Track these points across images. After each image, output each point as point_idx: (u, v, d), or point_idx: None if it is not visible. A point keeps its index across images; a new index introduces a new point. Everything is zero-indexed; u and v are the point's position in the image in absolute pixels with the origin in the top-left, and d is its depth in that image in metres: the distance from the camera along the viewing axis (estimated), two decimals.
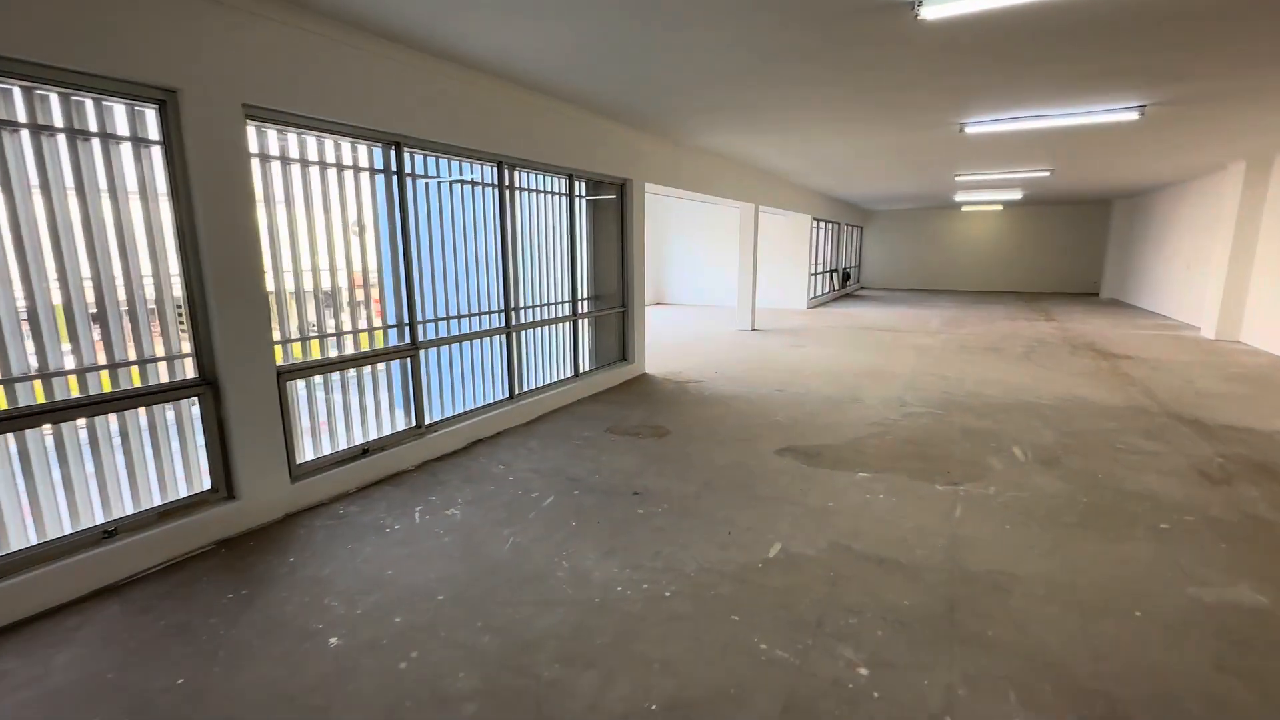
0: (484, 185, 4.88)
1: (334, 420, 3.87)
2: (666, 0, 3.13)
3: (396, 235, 4.12)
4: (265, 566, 2.92)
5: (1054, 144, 7.37)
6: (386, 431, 4.21)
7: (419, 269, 4.38)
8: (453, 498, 3.72)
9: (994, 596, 2.63)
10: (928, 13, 3.10)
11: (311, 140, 3.67)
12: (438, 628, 2.44)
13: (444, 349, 4.66)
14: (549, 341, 5.92)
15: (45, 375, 2.64)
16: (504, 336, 5.18)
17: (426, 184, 4.41)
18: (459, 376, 4.85)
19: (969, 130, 6.12)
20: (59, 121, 2.64)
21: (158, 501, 3.04)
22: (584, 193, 6.35)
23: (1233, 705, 2.01)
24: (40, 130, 2.58)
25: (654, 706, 2.01)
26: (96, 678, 2.17)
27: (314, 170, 3.68)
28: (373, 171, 4.00)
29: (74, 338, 2.73)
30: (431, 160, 4.42)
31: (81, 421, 2.75)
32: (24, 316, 2.60)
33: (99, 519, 2.84)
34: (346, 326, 3.93)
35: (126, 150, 2.86)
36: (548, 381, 5.82)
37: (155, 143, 2.91)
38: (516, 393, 5.32)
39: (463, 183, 4.68)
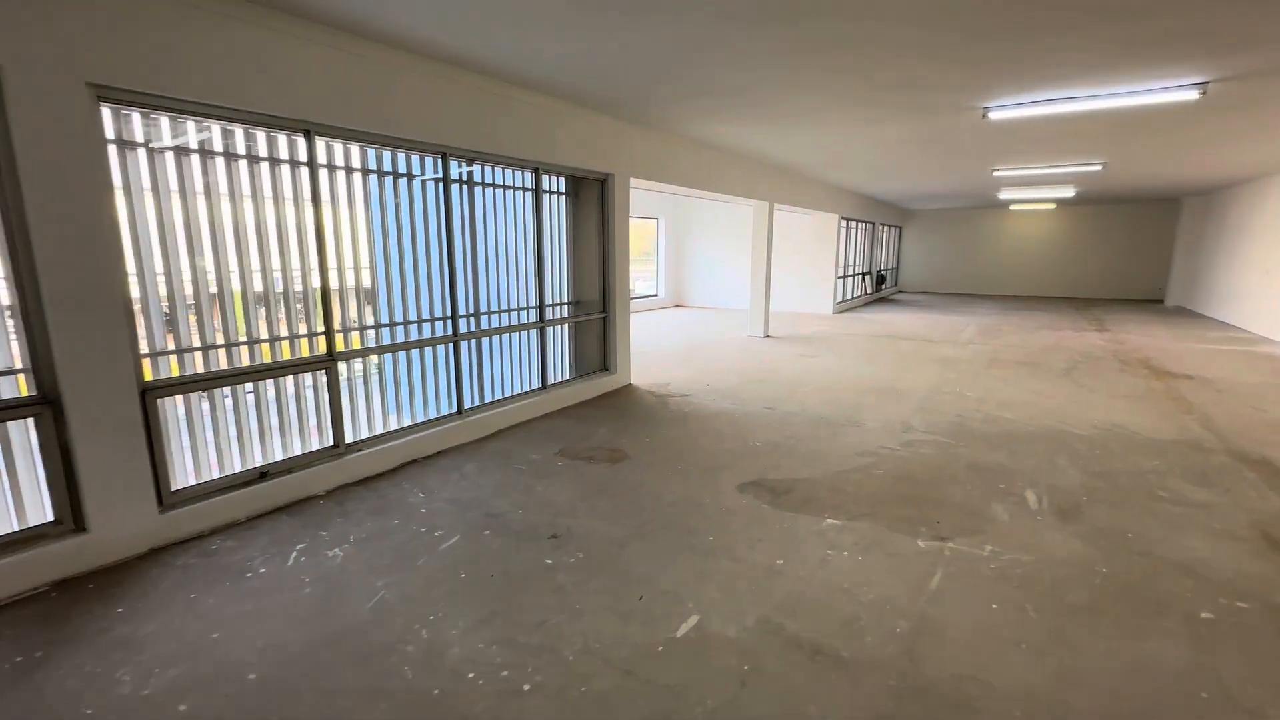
0: (422, 179, 4.42)
1: (222, 440, 3.46)
2: None
3: (309, 234, 3.69)
4: (85, 619, 2.51)
5: (1099, 133, 6.44)
6: (297, 451, 3.80)
7: (342, 272, 3.95)
8: (346, 534, 3.26)
9: None
10: None
11: (217, 130, 3.29)
12: None
13: (377, 359, 4.22)
14: (512, 351, 5.44)
15: None
16: (449, 346, 4.71)
17: (350, 177, 3.97)
18: (396, 390, 4.41)
19: (994, 115, 5.31)
20: None
21: None
22: (556, 188, 5.84)
23: None
24: None
25: None
26: None
27: (219, 162, 3.29)
28: (274, 161, 3.58)
29: None
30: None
31: None
32: None
33: None
34: (255, 335, 3.52)
35: None
36: (508, 395, 5.33)
37: None
38: (465, 408, 4.85)
39: (391, 175, 4.22)
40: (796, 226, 13.75)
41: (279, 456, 3.71)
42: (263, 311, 3.56)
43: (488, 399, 5.18)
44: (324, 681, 2.14)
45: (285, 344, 3.69)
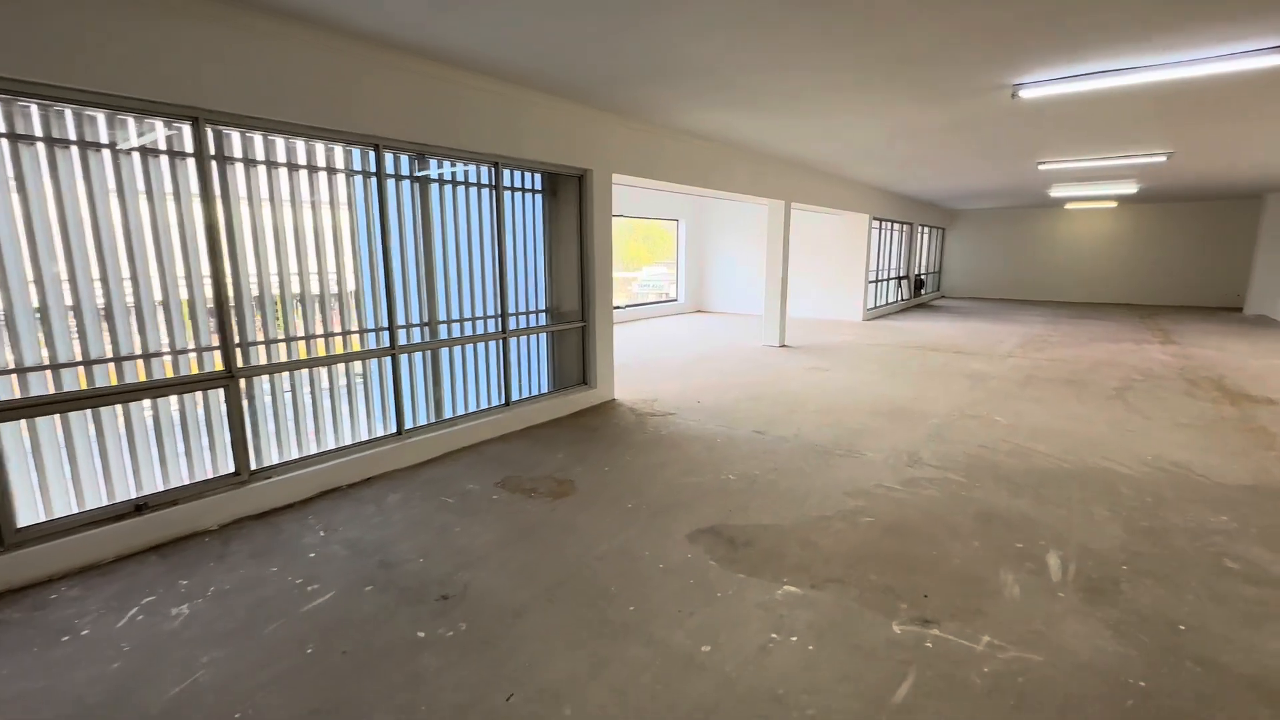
0: (344, 172, 3.95)
1: (78, 469, 3.04)
2: None
3: (199, 236, 3.26)
4: None
5: (1158, 115, 5.50)
6: (188, 480, 3.37)
7: (248, 277, 3.52)
8: (208, 584, 2.79)
9: None
10: None
11: (102, 117, 2.90)
12: None
13: (289, 376, 3.78)
14: (475, 365, 4.93)
15: None
16: (386, 360, 4.24)
17: (253, 170, 3.53)
18: (316, 409, 3.95)
19: (1026, 94, 4.50)
20: None
21: None
22: (528, 185, 5.32)
23: None
24: None
25: None
26: None
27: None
28: (151, 153, 3.16)
29: None
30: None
31: None
32: None
33: None
34: (121, 351, 3.11)
35: None
36: (462, 413, 4.83)
37: None
38: (405, 429, 4.36)
39: (307, 169, 3.76)
40: (822, 228, 12.89)
41: (162, 486, 3.28)
42: (134, 323, 3.14)
43: (445, 416, 4.70)
44: None
45: (168, 360, 3.27)
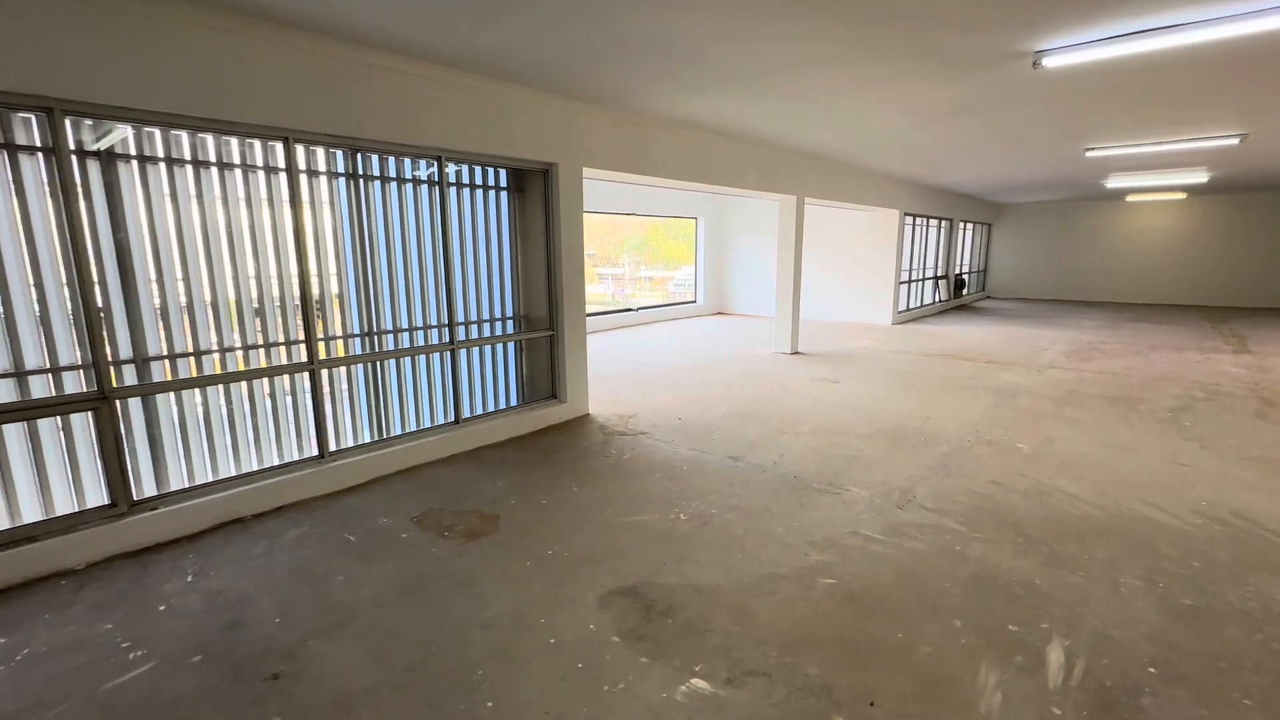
0: (244, 168, 3.55)
1: None
2: None
3: (54, 237, 2.91)
4: None
5: (1223, 87, 4.60)
6: (58, 511, 3.03)
7: (124, 284, 3.17)
8: (25, 643, 2.41)
9: None
10: None
11: None
12: None
13: (182, 395, 3.41)
14: (416, 380, 4.50)
15: None
16: (302, 376, 3.84)
17: (123, 167, 3.17)
18: (211, 433, 3.58)
19: (1049, 63, 3.75)
20: None
21: None
22: (491, 182, 4.86)
23: None
24: None
25: None
26: None
27: None
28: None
29: None
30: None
31: None
32: None
33: None
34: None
35: None
36: (403, 431, 4.40)
37: None
38: (329, 451, 3.96)
39: (191, 163, 3.37)
40: (849, 225, 12.04)
41: (25, 519, 2.95)
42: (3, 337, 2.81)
43: (390, 434, 4.29)
44: None
45: (47, 378, 2.93)
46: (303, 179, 3.72)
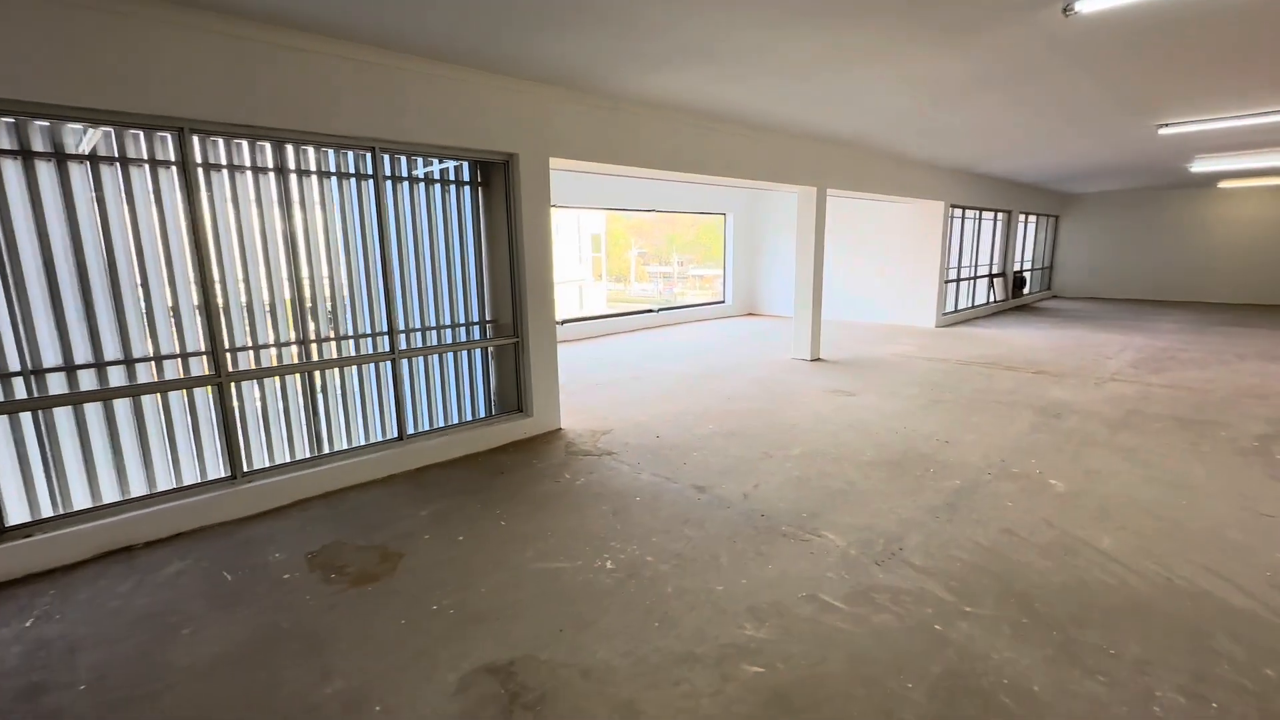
0: (127, 161, 3.21)
1: None
2: None
3: None
4: None
5: None
6: None
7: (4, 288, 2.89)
8: None
9: None
10: None
11: None
12: None
13: (78, 410, 3.12)
14: (355, 392, 4.12)
15: None
16: (211, 389, 3.50)
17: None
18: (81, 450, 3.27)
19: (1083, 7, 2.97)
20: None
21: None
22: (450, 177, 4.43)
23: None
24: None
25: None
26: None
27: None
28: None
29: None
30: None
31: None
32: None
33: None
34: None
35: None
36: (334, 450, 4.02)
37: None
38: (245, 471, 3.62)
39: (53, 157, 3.05)
40: (887, 220, 11.07)
41: None
42: None
43: (325, 451, 3.93)
44: None
45: None
46: (224, 175, 3.38)
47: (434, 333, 4.49)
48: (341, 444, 4.06)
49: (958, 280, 11.84)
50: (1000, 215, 13.07)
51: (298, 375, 3.83)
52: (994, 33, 3.45)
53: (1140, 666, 2.17)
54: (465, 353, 4.68)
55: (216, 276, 3.44)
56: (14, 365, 2.95)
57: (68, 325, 3.08)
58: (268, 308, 3.69)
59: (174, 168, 3.25)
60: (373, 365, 4.15)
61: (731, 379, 6.87)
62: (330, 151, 3.82)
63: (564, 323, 10.10)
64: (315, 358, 3.89)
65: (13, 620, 2.58)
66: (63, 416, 3.11)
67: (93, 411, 3.19)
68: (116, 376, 3.23)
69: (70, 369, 3.10)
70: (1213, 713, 1.95)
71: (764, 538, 3.17)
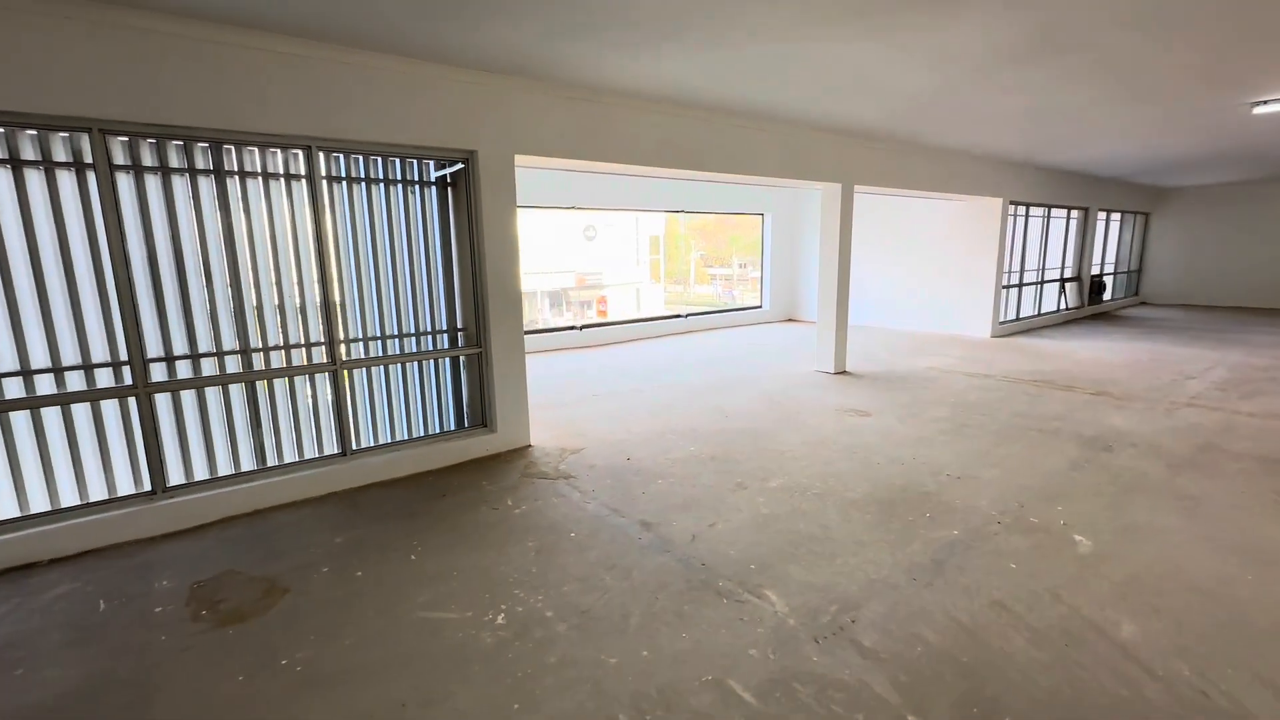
0: (23, 164, 3.06)
1: None
2: None
3: None
4: None
5: None
6: None
7: None
8: None
9: None
10: None
11: None
12: None
13: None
14: (290, 405, 3.91)
15: None
16: (122, 401, 3.34)
17: None
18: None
19: None
20: None
21: None
22: (403, 176, 4.17)
23: None
24: None
25: None
26: None
27: None
28: None
29: None
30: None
31: None
32: None
33: None
34: None
35: None
36: (271, 465, 3.81)
37: None
38: (166, 485, 3.46)
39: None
40: (937, 218, 10.11)
41: None
42: None
43: (261, 466, 3.74)
44: None
45: None
46: (150, 178, 3.23)
47: (394, 342, 4.24)
48: (281, 459, 3.85)
49: (1020, 285, 10.70)
50: (1075, 213, 11.75)
51: (220, 387, 3.61)
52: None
53: None
54: (428, 363, 4.41)
55: (141, 281, 3.29)
56: None
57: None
58: (205, 314, 3.52)
59: (100, 172, 3.10)
60: (308, 377, 3.91)
61: (738, 393, 6.31)
62: (270, 152, 3.61)
63: (583, 328, 9.79)
64: (245, 368, 3.69)
65: None
66: None
67: (19, 420, 3.09)
68: (44, 385, 3.13)
69: None
70: None
71: (693, 594, 2.68)
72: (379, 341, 4.18)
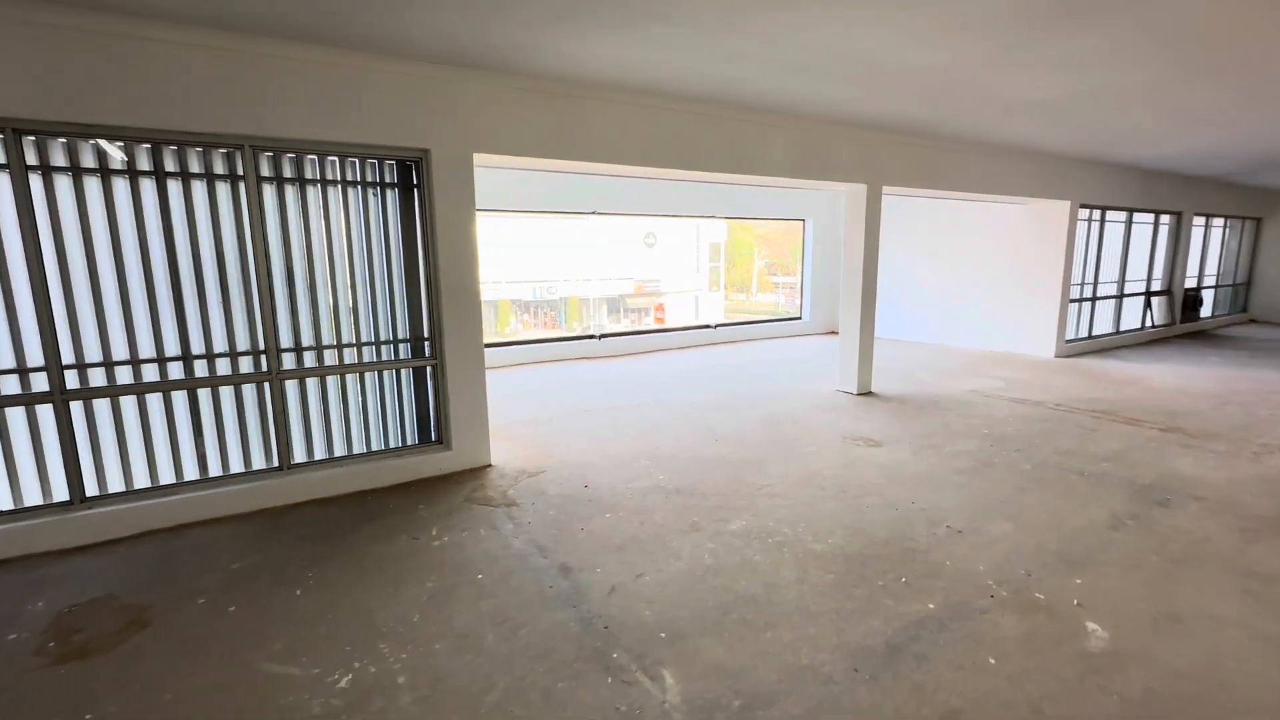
0: None
1: None
2: None
3: None
4: None
5: None
6: None
7: None
8: None
9: None
10: None
11: None
12: None
13: None
14: (215, 415, 3.73)
15: None
16: (29, 408, 3.23)
17: None
18: None
19: None
20: None
21: None
22: (358, 177, 3.95)
23: None
24: None
25: None
26: None
27: None
28: None
29: None
30: None
31: None
32: None
33: None
34: None
35: None
36: (192, 478, 3.63)
37: None
38: (84, 496, 3.34)
39: None
40: (995, 224, 9.11)
41: None
42: None
43: (187, 479, 3.60)
44: None
45: None
46: (69, 179, 3.14)
47: (347, 351, 4.02)
48: (206, 472, 3.68)
49: (1093, 299, 9.50)
50: (1166, 218, 10.37)
51: (136, 396, 3.45)
52: None
53: None
54: (383, 374, 4.17)
55: (56, 284, 3.19)
56: None
57: None
58: (119, 319, 3.40)
59: (16, 173, 3.02)
60: (235, 387, 3.71)
61: (740, 414, 5.76)
62: (197, 151, 3.46)
63: (601, 337, 9.45)
64: (162, 377, 3.53)
65: None
66: None
67: None
68: None
69: None
70: None
71: (576, 668, 2.24)
72: (329, 350, 3.96)
